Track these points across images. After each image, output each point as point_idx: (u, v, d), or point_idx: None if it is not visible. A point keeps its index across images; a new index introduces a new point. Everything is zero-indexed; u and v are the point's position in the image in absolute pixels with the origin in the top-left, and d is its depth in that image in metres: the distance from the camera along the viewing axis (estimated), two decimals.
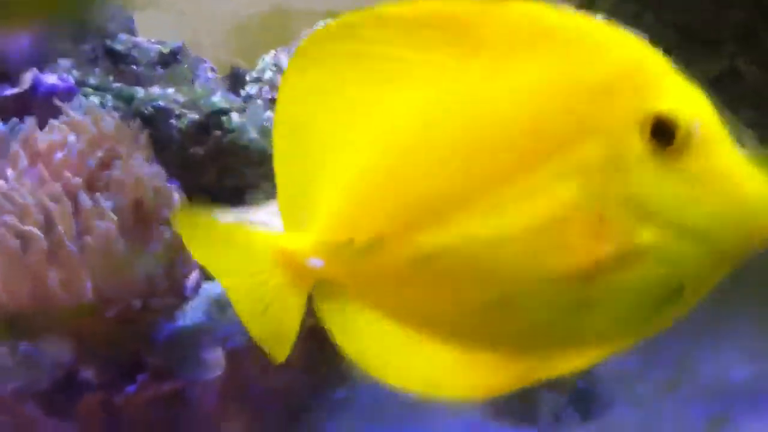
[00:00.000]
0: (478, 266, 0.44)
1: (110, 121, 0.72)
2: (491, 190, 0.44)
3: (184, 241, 0.52)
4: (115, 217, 0.66)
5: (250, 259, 0.49)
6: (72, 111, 0.74)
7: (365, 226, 0.47)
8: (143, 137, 0.76)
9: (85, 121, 0.72)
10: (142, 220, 0.68)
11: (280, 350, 0.50)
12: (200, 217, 0.52)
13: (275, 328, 0.50)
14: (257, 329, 0.50)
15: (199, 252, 0.52)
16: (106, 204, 0.66)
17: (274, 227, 1.27)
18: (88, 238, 0.64)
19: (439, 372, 0.48)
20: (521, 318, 0.45)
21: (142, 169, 0.70)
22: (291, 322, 0.49)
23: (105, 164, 0.68)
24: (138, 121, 0.77)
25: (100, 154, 0.67)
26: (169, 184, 0.80)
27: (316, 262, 0.48)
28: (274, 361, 0.50)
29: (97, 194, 0.66)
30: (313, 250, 0.48)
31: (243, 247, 0.50)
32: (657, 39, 1.06)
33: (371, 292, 0.48)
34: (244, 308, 0.50)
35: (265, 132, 1.40)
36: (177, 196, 0.78)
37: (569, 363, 0.46)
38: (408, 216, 0.45)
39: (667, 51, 1.09)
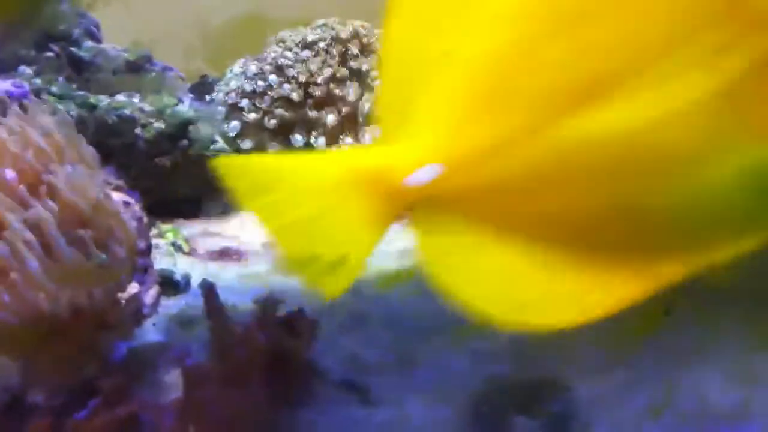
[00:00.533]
0: (645, 150, 0.38)
1: (49, 127, 0.67)
2: (657, 60, 0.37)
3: (233, 187, 0.45)
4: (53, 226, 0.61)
5: (316, 188, 0.42)
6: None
7: (494, 125, 0.39)
8: (86, 145, 0.71)
9: (22, 129, 0.67)
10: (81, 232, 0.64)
11: (338, 289, 0.43)
12: (248, 158, 0.47)
13: (336, 268, 0.43)
14: (313, 271, 0.43)
15: (250, 196, 0.45)
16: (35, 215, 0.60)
17: (243, 239, 1.24)
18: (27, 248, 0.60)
19: (564, 294, 0.42)
20: (690, 202, 0.39)
21: (79, 178, 0.65)
22: (360, 256, 0.42)
23: (38, 174, 0.63)
24: (74, 127, 0.71)
25: (33, 163, 0.62)
26: (128, 196, 0.77)
27: (425, 173, 0.41)
28: (330, 297, 0.44)
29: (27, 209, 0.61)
30: (429, 158, 0.40)
31: (307, 175, 0.43)
32: None
33: (490, 202, 0.41)
34: (300, 247, 0.43)
35: (232, 141, 1.36)
36: (132, 208, 0.74)
37: (725, 252, 0.40)
38: (553, 104, 0.39)
39: None
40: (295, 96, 1.40)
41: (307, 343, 0.75)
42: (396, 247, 1.21)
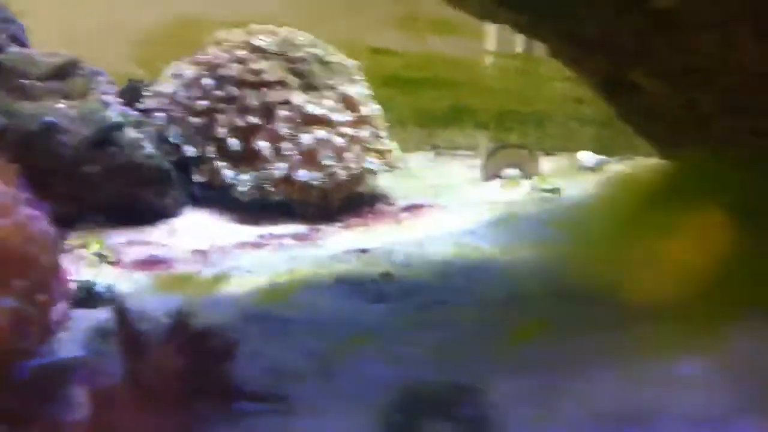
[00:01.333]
0: None
1: None
2: None
3: None
4: None
5: None
6: None
7: None
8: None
9: None
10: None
11: None
12: None
13: None
14: None
15: None
16: None
17: (171, 247, 1.22)
18: None
19: None
20: None
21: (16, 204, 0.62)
22: None
23: None
24: None
25: None
26: (35, 210, 0.74)
27: None
28: None
29: None
30: None
31: None
32: (555, 50, 1.03)
33: None
34: None
35: (163, 147, 1.34)
36: (40, 223, 0.72)
37: None
38: None
39: (566, 62, 1.05)
40: (254, 101, 1.39)
41: (223, 358, 0.74)
42: (329, 251, 1.21)
